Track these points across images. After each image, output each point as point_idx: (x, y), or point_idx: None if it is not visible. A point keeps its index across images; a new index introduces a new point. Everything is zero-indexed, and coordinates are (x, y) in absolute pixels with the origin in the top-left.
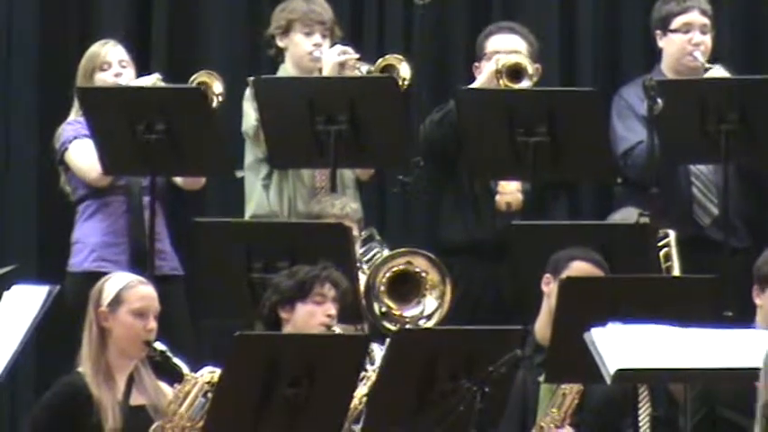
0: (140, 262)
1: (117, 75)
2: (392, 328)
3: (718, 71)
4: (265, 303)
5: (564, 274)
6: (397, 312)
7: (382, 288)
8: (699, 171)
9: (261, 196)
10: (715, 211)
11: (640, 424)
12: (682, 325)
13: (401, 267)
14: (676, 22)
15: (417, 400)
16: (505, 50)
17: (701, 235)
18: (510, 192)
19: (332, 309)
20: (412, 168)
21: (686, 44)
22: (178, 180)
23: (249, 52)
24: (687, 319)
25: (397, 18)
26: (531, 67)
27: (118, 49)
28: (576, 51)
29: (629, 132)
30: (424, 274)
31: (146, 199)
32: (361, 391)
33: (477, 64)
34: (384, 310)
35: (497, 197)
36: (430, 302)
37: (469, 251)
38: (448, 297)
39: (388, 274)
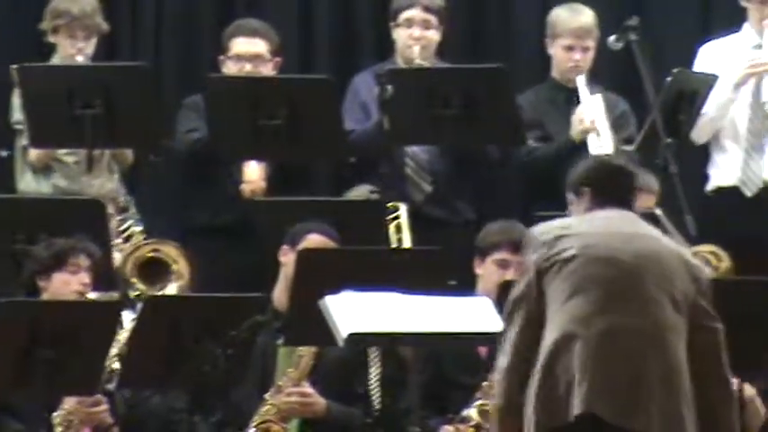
0: None
1: None
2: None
3: None
4: (25, 273)
5: (300, 246)
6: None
7: (133, 272)
8: (412, 151)
9: (28, 176)
10: (428, 188)
11: (371, 383)
12: (409, 293)
13: (149, 255)
14: (401, 17)
15: (166, 362)
16: (248, 54)
17: (420, 211)
18: (254, 180)
19: (86, 278)
20: (161, 150)
21: (407, 38)
22: None
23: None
24: (414, 287)
25: (147, 8)
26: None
27: None
28: (314, 41)
29: (351, 118)
30: (170, 262)
31: None
32: (114, 352)
33: (221, 57)
34: (136, 292)
35: (242, 186)
36: (171, 288)
37: (214, 230)
38: (187, 282)
39: (137, 261)
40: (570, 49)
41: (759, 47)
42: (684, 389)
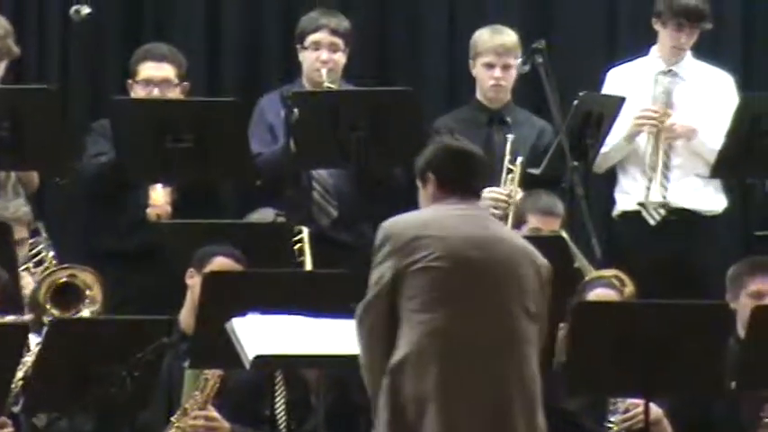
0: None
1: None
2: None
3: None
4: None
5: (206, 269)
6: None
7: (47, 297)
8: (319, 175)
9: None
10: (334, 212)
11: (276, 406)
12: (313, 315)
13: (64, 280)
14: (308, 40)
15: (71, 385)
16: (156, 79)
17: (324, 234)
18: (159, 204)
19: None
20: (68, 173)
21: (315, 61)
22: None
23: None
24: (318, 309)
25: (55, 32)
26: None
27: None
28: (221, 65)
29: (257, 140)
30: (84, 288)
31: None
32: (19, 375)
33: (130, 81)
34: (49, 318)
35: (148, 210)
36: (85, 313)
37: (120, 254)
38: (101, 308)
39: (51, 286)
40: (491, 66)
41: (667, 72)
42: (539, 398)
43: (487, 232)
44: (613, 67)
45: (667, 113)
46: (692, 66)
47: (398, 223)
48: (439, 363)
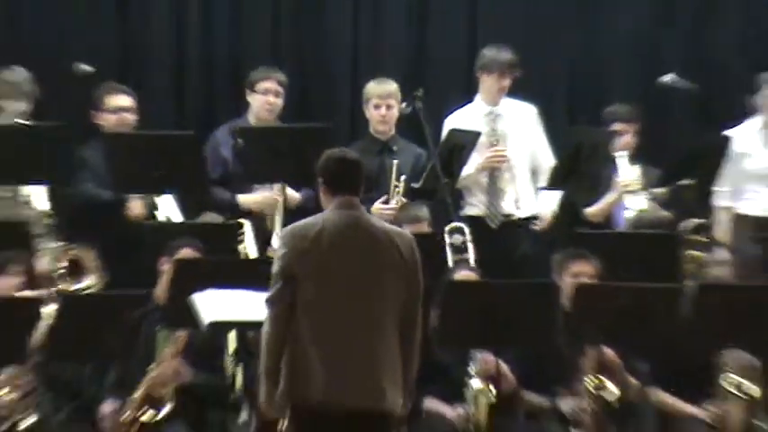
0: None
1: None
2: None
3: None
4: None
5: (175, 256)
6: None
7: (59, 270)
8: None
9: None
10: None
11: (225, 359)
12: (253, 290)
13: (72, 257)
14: (258, 86)
15: (80, 340)
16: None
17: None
18: (137, 213)
19: (20, 280)
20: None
21: (264, 104)
22: None
23: None
24: (257, 286)
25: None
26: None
27: None
28: (185, 105)
29: (212, 162)
30: (86, 263)
31: None
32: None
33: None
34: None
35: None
36: (87, 280)
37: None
38: (97, 275)
39: (61, 261)
40: (377, 107)
41: (489, 113)
42: (395, 356)
43: (359, 230)
44: (450, 113)
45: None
46: (505, 103)
47: (294, 226)
48: (323, 342)
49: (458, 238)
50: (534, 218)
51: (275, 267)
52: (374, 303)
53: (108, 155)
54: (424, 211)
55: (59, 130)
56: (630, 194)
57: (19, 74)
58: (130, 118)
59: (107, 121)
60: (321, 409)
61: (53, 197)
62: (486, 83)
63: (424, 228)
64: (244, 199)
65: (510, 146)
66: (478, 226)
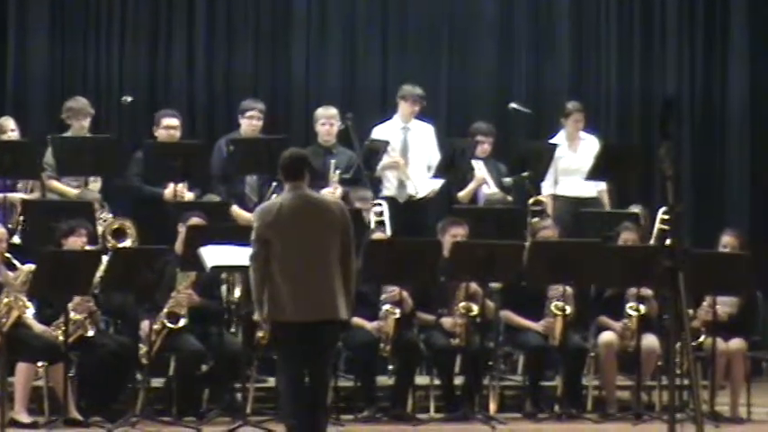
0: None
1: None
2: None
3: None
4: (55, 237)
5: (188, 223)
6: (115, 245)
7: (109, 235)
8: (249, 178)
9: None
10: (254, 198)
11: (223, 291)
12: (241, 246)
13: (116, 226)
14: (246, 114)
15: (124, 278)
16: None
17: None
18: (174, 192)
19: (85, 239)
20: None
21: (249, 125)
22: None
23: None
24: (244, 242)
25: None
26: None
27: None
28: (195, 118)
29: (215, 163)
30: (127, 230)
31: None
32: (98, 274)
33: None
34: (110, 243)
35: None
36: (128, 241)
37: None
38: (135, 238)
39: (111, 228)
40: (323, 125)
41: (404, 128)
42: (339, 281)
43: (308, 202)
44: (376, 125)
45: (402, 158)
46: (414, 123)
47: (263, 205)
48: (288, 277)
49: (377, 209)
50: (427, 197)
51: (253, 235)
52: (322, 248)
53: (145, 156)
54: (368, 194)
55: (111, 141)
56: (485, 183)
57: (80, 101)
58: (176, 134)
59: (160, 135)
60: (291, 324)
61: (105, 185)
62: (403, 107)
63: (368, 205)
64: (237, 213)
65: (414, 150)
66: (391, 202)
